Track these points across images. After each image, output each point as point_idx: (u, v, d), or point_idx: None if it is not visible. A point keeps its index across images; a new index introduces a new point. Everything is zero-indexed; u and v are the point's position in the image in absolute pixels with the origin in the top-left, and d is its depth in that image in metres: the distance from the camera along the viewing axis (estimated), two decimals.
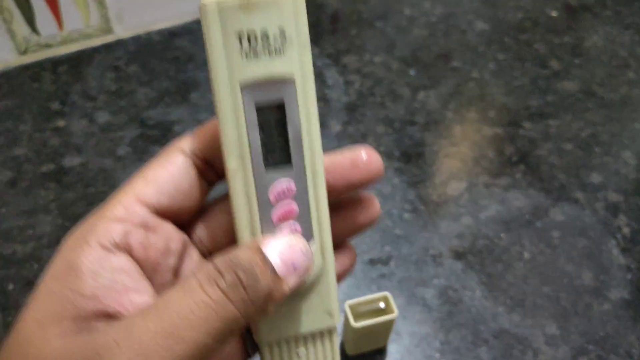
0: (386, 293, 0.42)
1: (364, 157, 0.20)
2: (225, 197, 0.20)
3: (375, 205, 0.21)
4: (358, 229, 0.21)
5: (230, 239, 0.20)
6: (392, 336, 0.45)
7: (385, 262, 0.51)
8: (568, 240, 0.53)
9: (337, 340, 0.21)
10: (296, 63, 0.18)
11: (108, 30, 0.79)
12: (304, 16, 0.18)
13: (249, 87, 0.18)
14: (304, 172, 0.19)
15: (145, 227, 0.19)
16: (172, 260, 0.19)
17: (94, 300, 0.17)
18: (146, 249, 0.19)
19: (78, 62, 0.76)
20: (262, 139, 0.18)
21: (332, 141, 0.64)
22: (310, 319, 0.20)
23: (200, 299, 0.16)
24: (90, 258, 0.17)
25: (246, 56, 0.17)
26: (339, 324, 0.20)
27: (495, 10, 0.88)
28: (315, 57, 0.76)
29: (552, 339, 0.45)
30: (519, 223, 0.55)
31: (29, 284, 0.50)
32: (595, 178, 0.60)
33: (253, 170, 0.18)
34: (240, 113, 0.18)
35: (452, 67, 0.76)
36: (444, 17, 0.85)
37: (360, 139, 0.64)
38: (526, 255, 0.52)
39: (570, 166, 0.61)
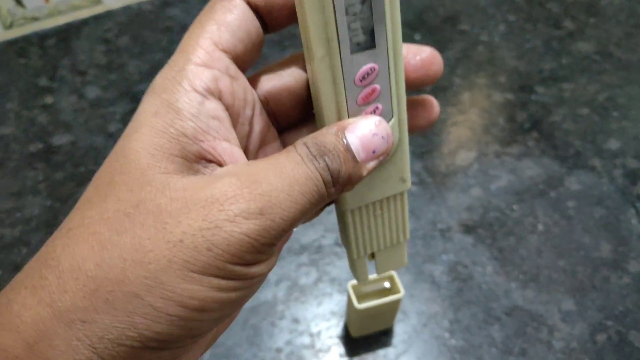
0: (391, 272, 0.39)
1: (429, 56, 0.21)
2: (287, 56, 0.21)
3: (435, 107, 0.22)
4: (417, 129, 0.22)
5: (293, 99, 0.21)
6: (399, 316, 0.43)
7: None
8: (584, 211, 0.50)
9: (406, 199, 0.23)
10: None
11: (97, 0, 0.75)
12: None
13: None
14: (387, 54, 0.19)
15: (229, 74, 0.19)
16: (249, 111, 0.20)
17: (195, 142, 0.17)
18: (232, 97, 0.19)
19: (66, 35, 0.72)
20: (348, 24, 0.18)
21: None
22: (386, 185, 0.22)
23: (307, 172, 0.18)
24: (187, 101, 0.17)
25: None
26: (410, 187, 0.23)
27: None
28: None
29: (569, 315, 0.43)
30: (532, 193, 0.51)
31: (17, 269, 0.48)
32: (613, 144, 0.56)
33: (340, 56, 0.18)
34: (328, 1, 0.18)
35: (459, 30, 0.72)
36: None
37: None
38: (540, 227, 0.49)
39: (586, 132, 0.57)
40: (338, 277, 0.46)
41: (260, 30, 0.20)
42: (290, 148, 0.18)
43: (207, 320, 0.17)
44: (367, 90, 0.19)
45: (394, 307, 0.40)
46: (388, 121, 0.20)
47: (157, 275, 0.16)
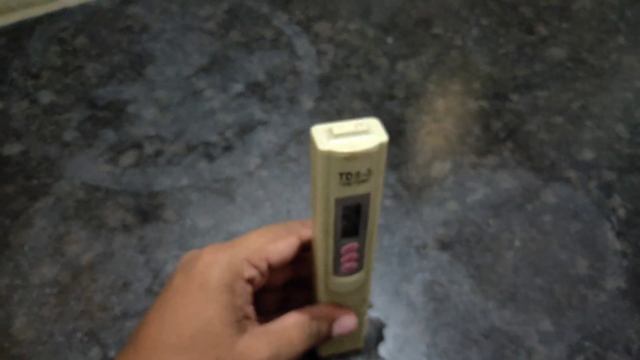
0: None
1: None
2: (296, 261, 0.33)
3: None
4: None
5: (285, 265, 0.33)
6: (376, 340, 0.41)
7: None
8: (561, 225, 0.49)
9: (367, 319, 0.36)
10: (373, 185, 0.26)
11: None
12: (384, 156, 0.25)
13: (340, 199, 0.26)
14: (364, 237, 0.28)
15: (264, 275, 0.31)
16: (260, 285, 0.32)
17: (241, 310, 0.29)
18: (257, 285, 0.31)
19: (18, 34, 0.67)
20: (343, 224, 0.27)
21: (304, 119, 0.58)
22: (353, 300, 0.33)
23: (306, 345, 0.31)
24: (239, 286, 0.29)
25: (343, 185, 0.25)
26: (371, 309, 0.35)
27: None
28: (283, 25, 0.70)
29: (546, 336, 0.42)
30: (509, 207, 0.50)
31: None
32: (588, 154, 0.55)
33: (334, 240, 0.28)
34: (331, 212, 0.26)
35: (433, 34, 0.70)
36: None
37: (335, 115, 0.59)
38: (517, 243, 0.48)
39: (560, 142, 0.57)
40: None
41: (297, 254, 0.32)
42: (299, 324, 0.31)
43: None
44: (348, 256, 0.29)
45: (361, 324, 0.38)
46: (359, 272, 0.31)
47: None
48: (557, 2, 0.75)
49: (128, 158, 0.54)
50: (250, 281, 0.30)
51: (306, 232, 0.31)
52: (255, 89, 0.62)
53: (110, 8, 0.71)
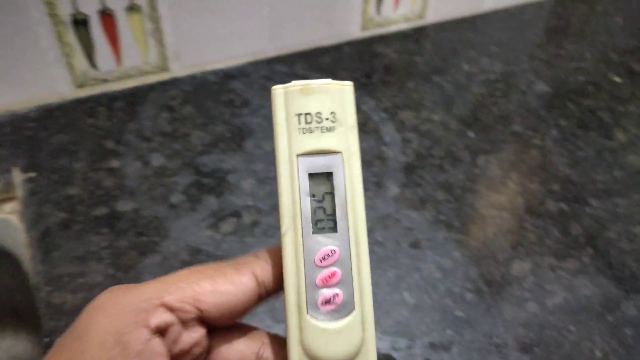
0: None
1: None
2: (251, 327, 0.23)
3: None
4: None
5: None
6: None
7: (447, 347, 0.49)
8: None
9: None
10: (343, 141, 0.22)
11: (164, 68, 0.78)
12: (351, 103, 0.22)
13: (303, 158, 0.21)
14: (348, 240, 0.21)
15: (185, 325, 0.20)
16: (187, 358, 0.21)
17: None
18: (175, 344, 0.21)
19: (133, 99, 0.75)
20: (312, 205, 0.21)
21: (389, 205, 0.62)
22: None
23: None
24: (137, 337, 0.19)
25: (303, 132, 0.21)
26: None
27: (555, 71, 0.85)
28: (371, 111, 0.75)
29: None
30: (589, 315, 0.52)
31: None
32: None
33: (302, 233, 0.20)
34: (295, 179, 0.20)
35: (512, 131, 0.74)
36: (503, 76, 0.83)
37: (419, 204, 0.62)
38: (598, 353, 0.49)
39: None
40: None
41: (251, 306, 0.21)
42: None
43: None
44: (327, 272, 0.20)
45: None
46: (348, 314, 0.19)
47: None
48: (635, 109, 0.78)
49: (227, 225, 0.59)
50: (160, 332, 0.19)
51: (264, 269, 0.21)
52: None
53: (215, 81, 0.79)
